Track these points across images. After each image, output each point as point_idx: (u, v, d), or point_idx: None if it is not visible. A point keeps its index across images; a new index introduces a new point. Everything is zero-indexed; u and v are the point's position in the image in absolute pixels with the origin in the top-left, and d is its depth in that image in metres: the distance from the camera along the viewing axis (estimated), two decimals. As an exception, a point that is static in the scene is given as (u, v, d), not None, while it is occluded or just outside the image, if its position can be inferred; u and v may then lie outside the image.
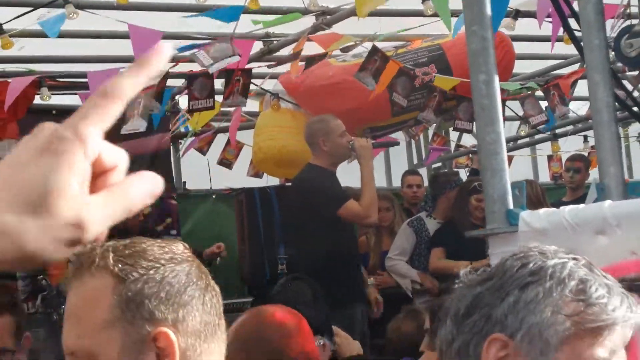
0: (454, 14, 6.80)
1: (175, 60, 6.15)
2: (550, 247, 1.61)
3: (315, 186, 6.20)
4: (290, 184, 8.85)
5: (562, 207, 2.40)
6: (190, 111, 6.15)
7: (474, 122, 7.07)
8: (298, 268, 6.51)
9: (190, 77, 6.01)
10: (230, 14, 5.75)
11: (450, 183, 8.13)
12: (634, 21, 3.21)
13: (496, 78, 2.42)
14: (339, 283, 6.00)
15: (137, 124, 5.94)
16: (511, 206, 2.45)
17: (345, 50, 6.37)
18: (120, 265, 1.66)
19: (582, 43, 2.79)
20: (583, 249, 2.39)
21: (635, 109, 3.24)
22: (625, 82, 5.30)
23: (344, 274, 6.17)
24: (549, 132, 9.08)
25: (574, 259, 1.57)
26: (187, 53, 6.10)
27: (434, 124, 7.37)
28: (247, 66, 6.41)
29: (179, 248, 1.74)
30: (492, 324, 1.53)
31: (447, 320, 1.60)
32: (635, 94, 6.61)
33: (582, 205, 2.38)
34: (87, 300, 1.68)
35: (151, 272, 1.67)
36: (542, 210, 2.41)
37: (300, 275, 4.92)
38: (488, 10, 2.43)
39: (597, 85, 2.59)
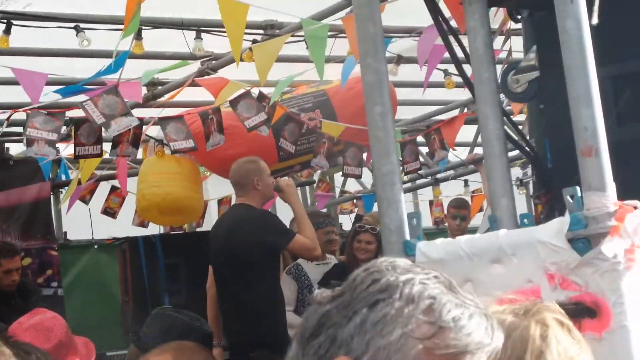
0: (335, 59, 6.91)
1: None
2: (406, 262, 1.44)
3: (265, 222, 6.17)
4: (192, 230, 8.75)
5: (458, 237, 2.42)
6: (77, 157, 5.99)
7: (362, 168, 7.20)
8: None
9: (77, 122, 5.85)
10: (117, 63, 5.64)
11: (321, 224, 8.20)
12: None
13: (391, 110, 2.44)
14: (280, 326, 6.06)
15: (47, 151, 5.76)
16: (408, 237, 2.45)
17: (234, 100, 6.34)
18: None
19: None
20: (480, 278, 2.41)
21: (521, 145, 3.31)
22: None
23: (279, 316, 6.21)
24: (430, 177, 9.23)
25: (434, 277, 1.41)
26: (73, 99, 5.96)
27: (321, 170, 7.40)
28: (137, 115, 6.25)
29: None
30: (337, 346, 1.36)
31: (294, 342, 1.43)
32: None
33: (477, 235, 2.41)
34: None
35: None
36: (439, 241, 2.42)
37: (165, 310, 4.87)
38: (382, 43, 2.45)
39: (487, 118, 2.63)
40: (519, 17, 3.36)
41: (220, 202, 9.38)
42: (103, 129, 5.68)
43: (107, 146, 6.20)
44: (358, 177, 7.69)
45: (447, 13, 3.18)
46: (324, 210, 9.57)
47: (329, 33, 6.22)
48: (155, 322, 4.56)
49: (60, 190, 8.83)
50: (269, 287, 6.13)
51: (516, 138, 3.28)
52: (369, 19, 2.42)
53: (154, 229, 8.87)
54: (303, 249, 6.22)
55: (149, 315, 4.73)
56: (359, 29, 2.43)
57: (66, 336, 4.09)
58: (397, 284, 1.38)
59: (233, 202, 9.26)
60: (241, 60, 6.31)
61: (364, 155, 7.32)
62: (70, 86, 5.92)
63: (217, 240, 6.37)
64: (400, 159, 7.40)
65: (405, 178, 8.43)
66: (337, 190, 9.88)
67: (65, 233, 9.10)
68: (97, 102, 5.58)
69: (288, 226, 6.45)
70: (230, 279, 6.19)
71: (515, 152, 4.64)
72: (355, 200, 9.84)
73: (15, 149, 6.82)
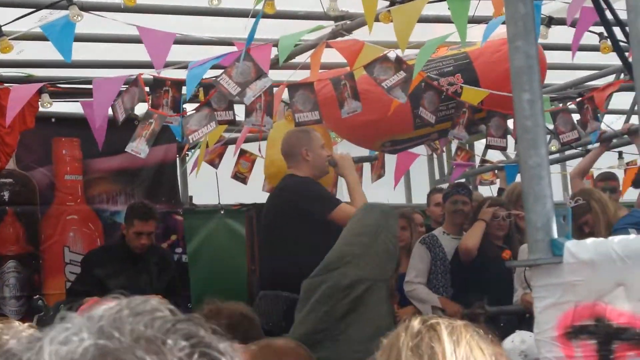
0: (482, 20, 6.82)
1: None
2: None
3: (306, 190, 6.28)
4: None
5: (610, 237, 2.38)
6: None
7: (507, 138, 7.10)
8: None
9: (206, 87, 5.97)
10: (250, 34, 5.68)
11: (447, 194, 8.18)
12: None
13: (541, 98, 2.41)
14: None
15: (140, 148, 5.89)
16: (555, 235, 2.42)
17: (370, 64, 6.32)
18: None
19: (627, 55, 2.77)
20: (633, 282, 2.37)
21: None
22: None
23: None
24: (581, 148, 9.03)
25: None
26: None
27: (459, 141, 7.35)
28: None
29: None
30: None
31: None
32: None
33: (632, 236, 2.36)
34: None
35: None
36: (589, 240, 2.39)
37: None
38: (533, 25, 2.41)
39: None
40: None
41: (351, 168, 9.41)
42: (238, 98, 5.77)
43: (237, 109, 6.30)
44: (503, 149, 7.59)
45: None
46: (462, 180, 9.52)
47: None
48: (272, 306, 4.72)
49: (187, 152, 9.00)
50: (308, 257, 6.12)
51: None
52: (520, -2, 2.39)
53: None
54: (346, 219, 5.98)
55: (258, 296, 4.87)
56: (508, 9, 2.40)
57: None
58: None
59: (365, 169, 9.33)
60: (377, 21, 6.30)
61: (510, 124, 7.21)
62: (204, 65, 5.96)
63: (265, 212, 6.64)
64: (552, 128, 7.29)
65: (553, 148, 8.25)
66: (477, 160, 9.78)
67: (191, 197, 9.27)
68: (231, 74, 5.66)
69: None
70: (270, 249, 6.39)
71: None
72: (496, 171, 9.73)
73: (141, 109, 6.95)
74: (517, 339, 4.77)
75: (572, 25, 6.37)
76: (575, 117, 7.66)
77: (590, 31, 6.70)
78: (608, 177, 8.73)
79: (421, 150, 8.94)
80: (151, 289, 7.12)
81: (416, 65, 6.30)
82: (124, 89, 6.25)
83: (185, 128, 5.92)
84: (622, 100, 8.33)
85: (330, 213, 6.17)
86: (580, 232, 6.73)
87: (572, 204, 6.80)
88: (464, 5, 5.97)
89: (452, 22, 6.65)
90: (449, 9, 6.25)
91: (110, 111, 6.33)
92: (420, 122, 7.13)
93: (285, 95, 7.08)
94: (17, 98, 6.05)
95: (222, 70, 5.76)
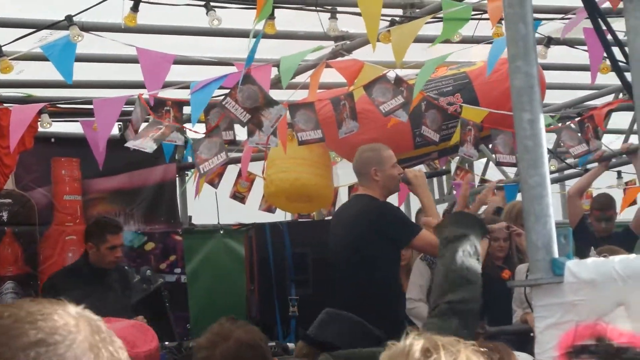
0: (481, 40, 6.87)
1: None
2: None
3: (390, 216, 6.21)
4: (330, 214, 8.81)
5: (611, 257, 2.39)
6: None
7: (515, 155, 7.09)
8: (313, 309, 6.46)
9: (208, 108, 5.96)
10: (250, 55, 5.66)
11: (447, 212, 8.17)
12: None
13: (541, 117, 2.42)
14: (389, 318, 5.89)
15: (147, 144, 5.83)
16: (556, 254, 2.43)
17: (369, 84, 6.33)
18: None
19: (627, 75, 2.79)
20: (633, 301, 2.38)
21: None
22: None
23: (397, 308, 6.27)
24: (579, 167, 9.05)
25: None
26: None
27: (462, 158, 7.36)
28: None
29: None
30: None
31: None
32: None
33: (633, 256, 2.37)
34: None
35: None
36: (590, 260, 2.40)
37: (337, 311, 4.98)
38: (533, 45, 2.43)
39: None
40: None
41: (351, 188, 9.44)
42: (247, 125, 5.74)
43: (237, 128, 6.29)
44: (513, 165, 7.58)
45: None
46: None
47: (473, 13, 6.20)
48: (332, 323, 4.68)
49: (186, 172, 9.00)
50: (385, 282, 6.13)
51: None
52: (520, 19, 2.41)
53: (280, 215, 8.99)
54: (428, 246, 6.13)
55: (322, 315, 4.83)
56: (508, 29, 2.42)
57: None
58: None
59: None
60: (378, 41, 6.33)
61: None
62: (207, 88, 5.92)
63: (336, 230, 6.44)
64: (552, 147, 7.30)
65: (552, 167, 8.27)
66: (477, 179, 9.79)
67: (190, 217, 9.28)
68: (237, 97, 5.63)
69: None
70: (347, 272, 6.25)
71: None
72: (496, 190, 9.72)
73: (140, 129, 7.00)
74: None
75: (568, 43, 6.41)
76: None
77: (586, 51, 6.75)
78: (605, 207, 8.67)
79: (421, 169, 8.93)
80: (118, 307, 6.99)
81: (416, 85, 6.32)
82: (125, 109, 6.27)
83: (195, 155, 5.89)
84: (621, 119, 8.36)
85: (413, 240, 6.15)
86: None
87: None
88: (459, 25, 6.02)
89: (451, 42, 6.72)
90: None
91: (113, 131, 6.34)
92: (421, 141, 7.15)
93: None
94: (18, 120, 6.05)
95: (226, 93, 5.74)
